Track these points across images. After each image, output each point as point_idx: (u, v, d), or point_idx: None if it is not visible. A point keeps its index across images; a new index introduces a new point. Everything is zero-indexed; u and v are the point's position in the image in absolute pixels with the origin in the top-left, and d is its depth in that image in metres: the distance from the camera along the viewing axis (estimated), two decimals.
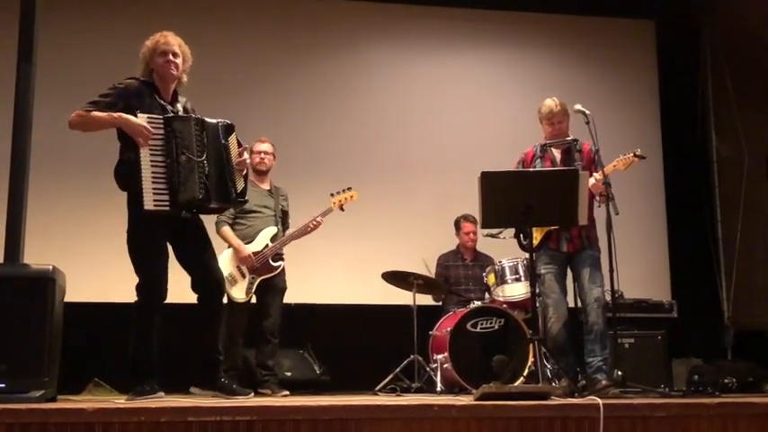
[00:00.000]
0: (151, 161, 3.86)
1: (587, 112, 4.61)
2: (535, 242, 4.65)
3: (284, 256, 5.44)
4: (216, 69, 6.81)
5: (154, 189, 3.83)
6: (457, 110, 7.40)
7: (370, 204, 6.89)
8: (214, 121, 4.09)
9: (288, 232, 5.47)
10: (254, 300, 5.34)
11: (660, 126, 7.47)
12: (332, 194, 5.49)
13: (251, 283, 5.25)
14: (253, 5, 7.34)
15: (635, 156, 4.62)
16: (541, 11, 7.62)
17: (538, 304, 4.65)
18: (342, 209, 5.50)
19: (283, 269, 5.41)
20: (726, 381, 5.60)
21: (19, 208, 4.16)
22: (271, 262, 5.32)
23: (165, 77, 4.08)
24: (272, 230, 5.39)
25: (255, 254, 5.27)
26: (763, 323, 6.90)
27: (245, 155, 4.19)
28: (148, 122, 3.88)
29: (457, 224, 6.48)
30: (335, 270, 6.79)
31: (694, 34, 7.74)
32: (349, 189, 5.52)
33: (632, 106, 7.46)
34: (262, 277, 5.30)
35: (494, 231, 5.05)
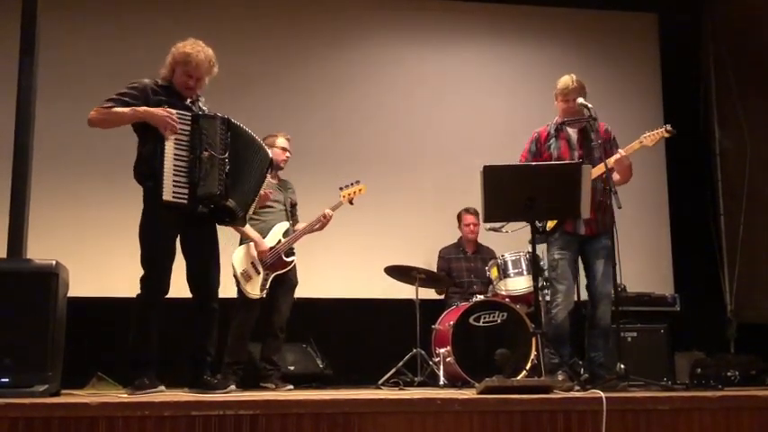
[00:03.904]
0: (175, 154, 3.92)
1: (590, 105, 4.59)
2: (551, 224, 4.62)
3: (295, 251, 5.44)
4: (224, 64, 6.82)
5: (174, 181, 3.89)
6: (460, 104, 7.39)
7: (373, 199, 6.87)
8: (250, 132, 4.19)
9: (299, 227, 5.46)
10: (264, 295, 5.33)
11: (662, 118, 7.44)
12: (341, 188, 5.47)
13: (265, 280, 5.24)
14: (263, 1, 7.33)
15: (666, 131, 4.57)
16: (543, 4, 7.60)
17: (540, 298, 4.62)
18: (351, 202, 5.50)
19: (295, 264, 5.42)
20: (728, 374, 5.59)
21: (22, 203, 4.18)
22: (284, 257, 5.32)
23: (181, 89, 4.12)
24: (284, 226, 5.39)
25: (270, 249, 5.27)
26: (766, 316, 6.89)
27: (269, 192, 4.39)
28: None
29: (459, 217, 6.50)
30: (338, 264, 6.78)
31: (697, 27, 7.72)
32: (357, 182, 5.51)
33: (635, 99, 7.44)
34: (276, 273, 5.29)
35: (496, 225, 5.04)
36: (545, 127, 4.88)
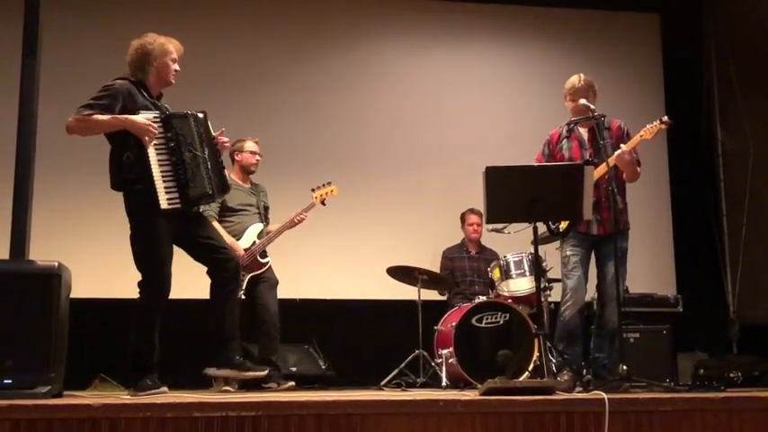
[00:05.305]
0: (158, 161, 3.89)
1: (592, 106, 4.59)
2: (564, 225, 4.61)
3: (268, 253, 5.46)
4: (228, 64, 6.84)
5: (166, 188, 3.87)
6: (462, 104, 7.38)
7: (376, 199, 6.90)
8: (201, 114, 4.12)
9: (273, 228, 5.50)
10: (242, 296, 5.32)
11: None
12: (312, 189, 5.52)
13: (241, 281, 5.26)
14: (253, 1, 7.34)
15: (661, 122, 4.55)
16: (545, 4, 7.60)
17: (543, 299, 4.59)
18: (323, 203, 5.55)
19: (270, 264, 5.45)
20: (731, 375, 5.60)
21: (24, 204, 4.18)
22: (259, 258, 5.36)
23: (165, 81, 4.12)
24: (258, 227, 5.43)
25: (244, 251, 5.29)
26: None
27: (223, 138, 4.22)
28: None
29: (462, 217, 6.52)
30: (340, 265, 6.78)
31: (699, 27, 7.71)
32: (329, 184, 5.57)
33: (637, 99, 7.43)
34: (251, 274, 5.32)
35: (498, 226, 5.04)
36: (557, 129, 4.86)
